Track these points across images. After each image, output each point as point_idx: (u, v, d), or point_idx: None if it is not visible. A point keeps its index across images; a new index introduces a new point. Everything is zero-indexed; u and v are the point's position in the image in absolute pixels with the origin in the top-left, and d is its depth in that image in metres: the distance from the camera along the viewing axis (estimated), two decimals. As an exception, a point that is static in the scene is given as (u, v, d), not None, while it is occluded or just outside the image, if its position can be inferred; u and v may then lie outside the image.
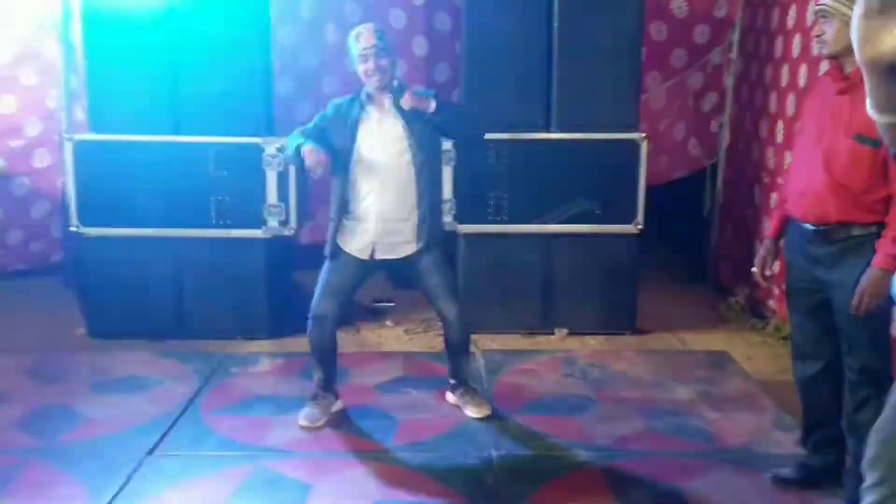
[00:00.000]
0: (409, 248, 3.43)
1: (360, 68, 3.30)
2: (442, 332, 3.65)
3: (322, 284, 3.45)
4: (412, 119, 3.32)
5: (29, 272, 5.46)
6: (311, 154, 3.22)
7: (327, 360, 3.53)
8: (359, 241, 3.42)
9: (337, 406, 3.61)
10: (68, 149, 4.46)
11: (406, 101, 3.28)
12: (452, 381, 3.70)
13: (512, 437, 3.42)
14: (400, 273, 3.58)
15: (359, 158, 3.35)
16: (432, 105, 3.28)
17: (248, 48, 4.38)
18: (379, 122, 3.36)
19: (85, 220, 4.48)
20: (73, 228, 4.52)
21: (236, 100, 4.40)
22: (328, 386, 3.58)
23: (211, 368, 4.09)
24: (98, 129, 4.48)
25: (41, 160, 5.25)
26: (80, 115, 5.06)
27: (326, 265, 3.48)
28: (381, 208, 3.36)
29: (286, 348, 4.44)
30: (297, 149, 3.28)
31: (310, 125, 3.45)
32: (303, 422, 3.48)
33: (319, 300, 3.44)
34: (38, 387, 3.90)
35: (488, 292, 4.67)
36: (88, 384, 3.92)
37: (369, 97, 3.37)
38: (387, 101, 3.36)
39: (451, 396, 3.72)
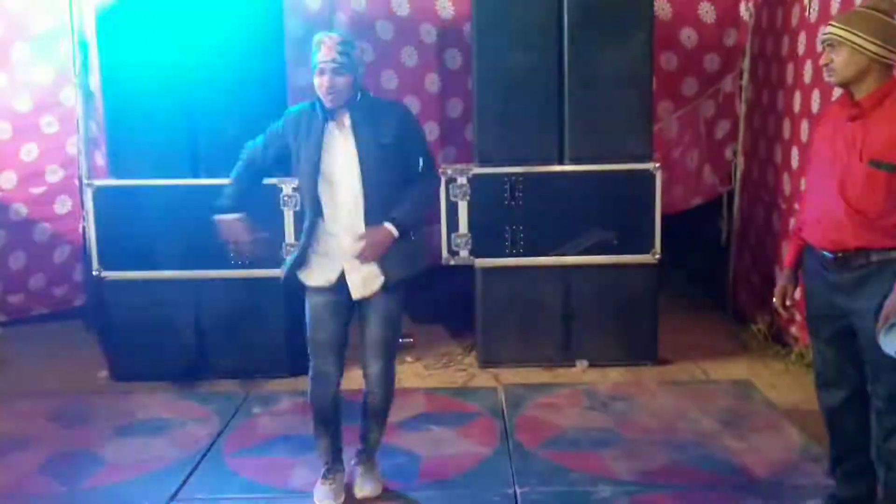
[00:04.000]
0: (376, 282, 3.04)
1: (315, 81, 2.94)
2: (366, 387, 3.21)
3: (310, 337, 3.10)
4: (365, 141, 2.99)
5: (51, 316, 5.51)
6: (230, 226, 3.03)
7: (333, 423, 3.22)
8: (327, 273, 3.06)
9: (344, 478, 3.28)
10: (88, 194, 4.53)
11: (365, 257, 2.97)
12: (359, 447, 3.29)
13: (535, 474, 3.38)
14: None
15: (323, 177, 3.02)
16: (394, 235, 2.98)
17: (264, 91, 4.44)
18: (339, 139, 3.01)
19: (106, 263, 4.53)
20: (94, 272, 4.57)
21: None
22: (335, 456, 3.24)
23: (232, 409, 4.10)
24: (117, 174, 4.55)
25: (62, 206, 5.33)
26: (100, 160, 5.14)
27: (307, 306, 3.11)
28: (342, 235, 3.03)
29: (307, 387, 4.43)
30: (223, 195, 3.09)
31: (254, 145, 3.14)
32: None
33: (315, 357, 3.11)
34: (62, 431, 3.92)
35: (507, 326, 4.67)
36: (111, 428, 3.93)
37: (330, 110, 3.01)
38: (346, 118, 3.01)
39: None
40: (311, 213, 3.06)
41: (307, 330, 3.10)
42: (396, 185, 3.04)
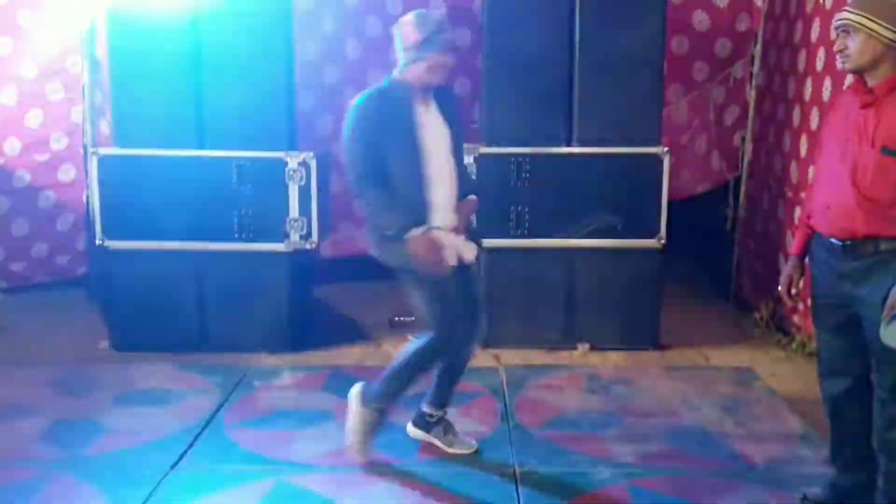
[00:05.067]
0: (473, 247, 3.22)
1: (434, 59, 2.98)
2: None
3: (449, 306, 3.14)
4: (449, 123, 3.16)
5: (54, 285, 5.52)
6: (426, 246, 2.98)
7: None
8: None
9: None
10: (93, 163, 4.51)
11: (461, 229, 3.15)
12: (436, 412, 3.42)
13: (535, 454, 3.39)
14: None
15: (427, 157, 3.08)
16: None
17: (271, 63, 4.41)
18: (430, 119, 3.12)
19: (109, 233, 4.52)
20: (97, 242, 4.56)
21: (259, 115, 4.43)
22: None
23: (233, 382, 4.10)
24: (122, 143, 4.52)
25: (66, 174, 5.32)
26: (105, 129, 5.13)
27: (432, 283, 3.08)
28: (442, 210, 3.12)
29: (308, 362, 4.45)
30: (403, 226, 3.00)
31: (367, 154, 3.03)
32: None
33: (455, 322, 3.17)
34: (63, 399, 3.93)
35: (510, 307, 4.66)
36: (112, 397, 3.94)
37: (413, 91, 3.08)
38: (430, 99, 3.13)
39: (417, 432, 3.45)
40: (416, 191, 3.06)
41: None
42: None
